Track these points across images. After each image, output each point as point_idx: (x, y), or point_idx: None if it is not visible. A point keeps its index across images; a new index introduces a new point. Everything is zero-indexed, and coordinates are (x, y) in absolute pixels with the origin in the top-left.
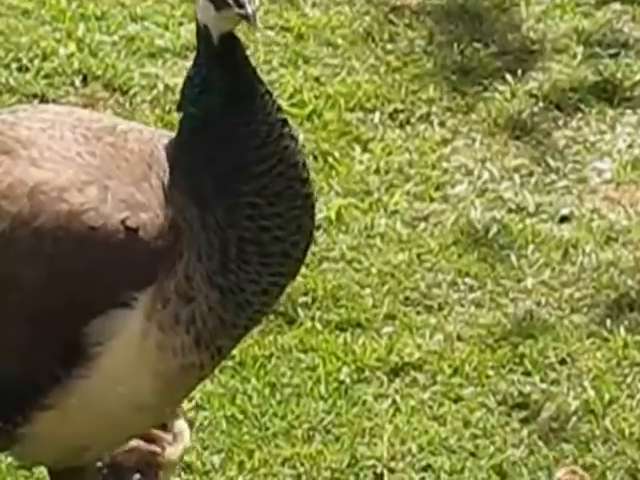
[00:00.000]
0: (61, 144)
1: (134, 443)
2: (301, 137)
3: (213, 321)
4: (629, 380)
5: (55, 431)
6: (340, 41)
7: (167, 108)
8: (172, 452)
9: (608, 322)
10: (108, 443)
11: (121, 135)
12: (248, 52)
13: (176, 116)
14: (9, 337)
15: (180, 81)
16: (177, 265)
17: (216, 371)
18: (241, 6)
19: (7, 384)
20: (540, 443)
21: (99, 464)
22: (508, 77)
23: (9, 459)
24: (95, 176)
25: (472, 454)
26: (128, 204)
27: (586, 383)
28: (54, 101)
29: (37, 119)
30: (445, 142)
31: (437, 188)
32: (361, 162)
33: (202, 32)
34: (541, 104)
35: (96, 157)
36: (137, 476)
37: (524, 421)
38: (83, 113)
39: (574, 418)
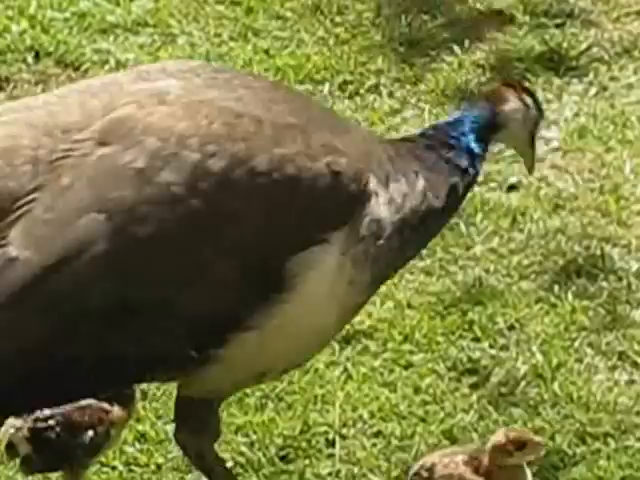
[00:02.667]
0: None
1: (86, 401)
2: None
3: (388, 261)
4: (577, 344)
5: (250, 352)
6: (289, 14)
7: None
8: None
9: (556, 288)
10: (284, 369)
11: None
12: (199, 26)
13: None
14: (224, 266)
15: (131, 56)
16: (368, 206)
17: None
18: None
19: (218, 307)
20: (490, 408)
21: (52, 422)
22: (455, 48)
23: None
24: (297, 121)
25: (422, 420)
26: (328, 149)
27: (534, 348)
28: (7, 79)
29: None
30: (394, 112)
31: None
32: None
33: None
34: (488, 74)
35: (285, 104)
36: (90, 433)
37: (474, 386)
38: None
39: (523, 383)
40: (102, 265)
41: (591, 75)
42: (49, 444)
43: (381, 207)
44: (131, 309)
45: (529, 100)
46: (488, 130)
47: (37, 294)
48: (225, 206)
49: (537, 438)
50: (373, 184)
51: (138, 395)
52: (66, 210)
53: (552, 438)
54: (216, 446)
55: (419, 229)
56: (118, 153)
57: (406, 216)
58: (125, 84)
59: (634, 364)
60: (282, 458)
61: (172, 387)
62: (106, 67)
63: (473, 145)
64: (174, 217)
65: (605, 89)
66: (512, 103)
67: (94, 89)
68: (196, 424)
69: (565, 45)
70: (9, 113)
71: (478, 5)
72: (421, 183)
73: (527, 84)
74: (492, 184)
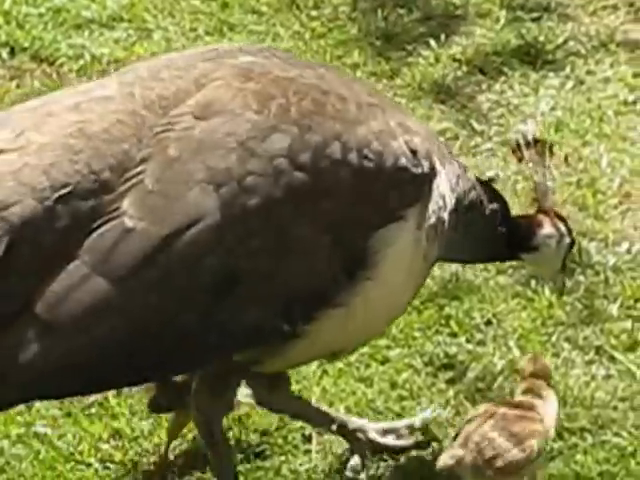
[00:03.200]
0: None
1: None
2: None
3: (447, 238)
4: (554, 339)
5: (334, 328)
6: (265, 8)
7: (94, 78)
8: None
9: (533, 283)
10: (357, 346)
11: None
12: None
13: None
14: (318, 240)
15: (106, 51)
16: (436, 183)
17: None
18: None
19: (312, 282)
20: (466, 403)
21: None
22: (432, 42)
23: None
24: (375, 101)
25: (399, 415)
26: (404, 128)
27: (511, 343)
28: None
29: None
30: None
31: None
32: None
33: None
34: (465, 68)
35: (358, 84)
36: None
37: (450, 382)
38: None
39: (500, 378)
40: (212, 236)
41: (568, 69)
42: None
43: (444, 184)
44: (236, 281)
45: (563, 228)
46: (520, 244)
47: (154, 266)
48: (321, 180)
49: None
50: (437, 162)
51: None
52: (175, 182)
53: None
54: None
55: (466, 215)
56: (219, 126)
57: (459, 196)
58: (208, 60)
59: (611, 359)
60: (258, 454)
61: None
62: (81, 62)
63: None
64: (278, 189)
65: (582, 83)
66: (547, 229)
67: (179, 64)
68: (218, 392)
69: (542, 39)
70: (106, 89)
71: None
72: (471, 174)
73: (560, 211)
74: None
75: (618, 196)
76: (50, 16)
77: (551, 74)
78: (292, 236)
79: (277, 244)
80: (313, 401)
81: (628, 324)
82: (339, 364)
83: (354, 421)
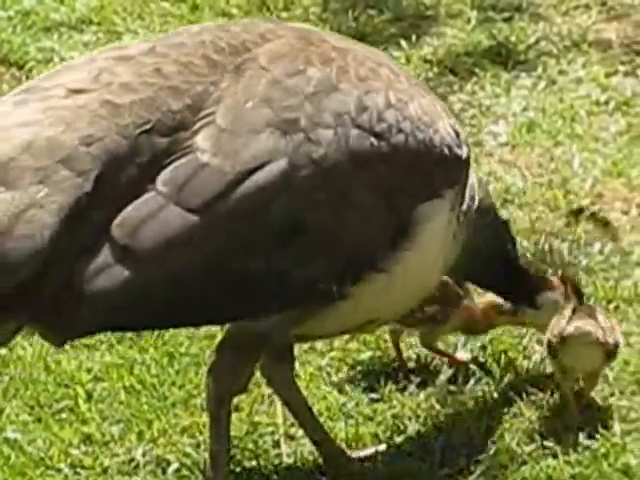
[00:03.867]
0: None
1: None
2: None
3: (475, 225)
4: (525, 341)
5: (375, 294)
6: (235, 10)
7: None
8: None
9: None
10: (393, 315)
11: None
12: (144, 23)
13: None
14: (374, 203)
15: (76, 55)
16: (470, 170)
17: (114, 341)
18: None
19: (364, 242)
20: (438, 406)
21: None
22: (403, 43)
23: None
24: (419, 81)
25: (370, 419)
26: (447, 111)
27: (483, 345)
28: None
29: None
30: None
31: None
32: None
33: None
34: (436, 69)
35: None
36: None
37: (422, 385)
38: None
39: (472, 381)
40: (279, 181)
41: (540, 69)
42: None
43: (473, 176)
44: (298, 230)
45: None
46: (524, 295)
47: (225, 202)
48: (378, 142)
49: None
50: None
51: None
52: (246, 124)
53: (502, 437)
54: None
55: (481, 218)
56: (285, 78)
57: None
58: (264, 22)
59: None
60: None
61: (118, 388)
62: (50, 65)
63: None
64: (340, 145)
65: (554, 83)
66: (557, 295)
67: (244, 22)
68: (237, 369)
69: (513, 39)
70: (177, 37)
71: (425, 0)
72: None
73: (579, 284)
74: None
75: (590, 197)
76: (19, 19)
77: (523, 74)
78: (350, 194)
79: (337, 199)
80: (284, 406)
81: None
82: (310, 368)
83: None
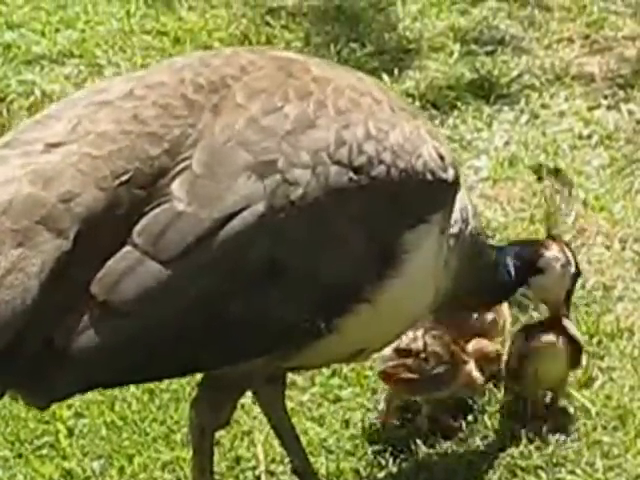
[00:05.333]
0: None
1: None
2: None
3: (468, 253)
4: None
5: (361, 325)
6: (217, 44)
7: None
8: None
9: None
10: (378, 347)
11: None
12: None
13: None
14: (354, 235)
15: (57, 88)
16: (459, 192)
17: None
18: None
19: (346, 276)
20: (418, 441)
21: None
22: (385, 77)
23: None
24: (407, 107)
25: (351, 454)
26: (431, 134)
27: None
28: None
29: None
30: None
31: None
32: None
33: None
34: (418, 103)
35: (393, 92)
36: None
37: (403, 421)
38: None
39: (450, 417)
40: (257, 225)
41: (522, 103)
42: None
43: (465, 197)
44: (279, 271)
45: (570, 255)
46: (527, 269)
47: (203, 249)
48: (358, 175)
49: None
50: (460, 173)
51: None
52: (222, 169)
53: (484, 472)
54: None
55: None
56: (262, 117)
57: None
58: (253, 52)
59: (567, 396)
60: None
61: (99, 424)
62: (31, 98)
63: (511, 271)
64: (318, 182)
65: (536, 117)
66: (554, 252)
67: (227, 53)
68: (219, 405)
69: (496, 72)
70: (157, 75)
71: (408, 33)
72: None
73: (567, 241)
74: None
75: (573, 231)
76: (0, 52)
77: (505, 108)
78: (330, 230)
79: (316, 237)
80: (265, 441)
81: (583, 360)
82: (291, 403)
83: None
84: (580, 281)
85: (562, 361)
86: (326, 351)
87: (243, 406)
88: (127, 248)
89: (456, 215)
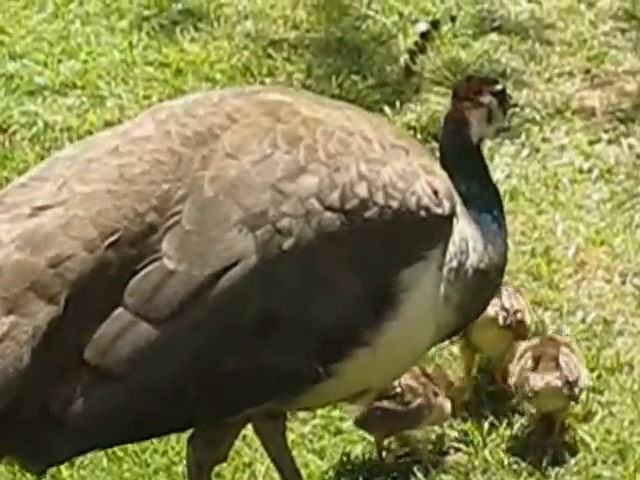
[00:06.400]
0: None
1: None
2: None
3: (470, 285)
4: (507, 410)
5: (361, 368)
6: (219, 76)
7: (47, 145)
8: None
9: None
10: (384, 384)
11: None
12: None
13: None
14: (349, 279)
15: (60, 118)
16: (457, 225)
17: None
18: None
19: (343, 321)
20: (419, 475)
21: None
22: (386, 109)
23: None
24: (399, 142)
25: None
26: (426, 168)
27: (465, 414)
28: None
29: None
30: None
31: None
32: None
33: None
34: (419, 135)
35: (386, 125)
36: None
37: (403, 454)
38: None
39: (453, 449)
40: (250, 279)
41: (523, 136)
42: None
43: (466, 227)
44: (274, 322)
45: (485, 99)
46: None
47: (196, 307)
48: (350, 219)
49: None
50: (459, 204)
51: None
52: (212, 223)
53: None
54: None
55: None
56: (251, 167)
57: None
58: (240, 96)
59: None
60: None
61: (100, 455)
62: (34, 129)
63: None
64: (310, 230)
65: (537, 150)
66: (473, 124)
67: (214, 100)
68: (215, 443)
69: None
70: (142, 129)
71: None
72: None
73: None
74: None
75: (573, 265)
76: (2, 82)
77: (506, 141)
78: (324, 276)
79: (311, 284)
80: (261, 472)
81: (582, 395)
82: (292, 435)
83: None
84: (580, 315)
85: (563, 401)
86: (326, 394)
87: (245, 437)
88: (119, 310)
89: (455, 248)
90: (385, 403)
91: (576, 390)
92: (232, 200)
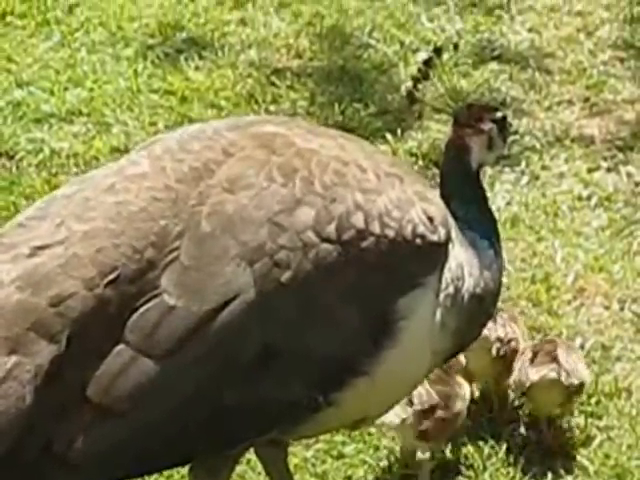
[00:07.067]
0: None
1: None
2: None
3: (465, 310)
4: (505, 434)
5: (360, 397)
6: (223, 103)
7: (53, 171)
8: None
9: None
10: (383, 411)
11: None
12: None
13: (62, 179)
14: (347, 309)
15: (66, 145)
16: (453, 251)
17: None
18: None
19: (342, 351)
20: None
21: None
22: (388, 136)
23: None
24: (393, 170)
25: None
26: (420, 196)
27: (465, 438)
28: None
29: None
30: None
31: None
32: None
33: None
34: (421, 162)
35: (379, 154)
36: None
37: (405, 477)
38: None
39: (452, 473)
40: (249, 312)
41: (523, 164)
42: None
43: (462, 253)
44: (274, 354)
45: (485, 127)
46: (470, 180)
47: (196, 342)
48: (347, 250)
49: None
50: (455, 229)
51: None
52: (210, 258)
53: None
54: None
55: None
56: (248, 201)
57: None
58: (234, 129)
59: (565, 454)
60: None
61: None
62: (40, 156)
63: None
64: (307, 262)
65: (537, 178)
66: (474, 150)
67: (208, 133)
68: (215, 471)
69: None
70: (138, 166)
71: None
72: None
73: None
74: None
75: (572, 291)
76: (10, 110)
77: (506, 169)
78: (322, 307)
79: (309, 316)
80: None
81: (581, 420)
82: (295, 459)
83: None
84: (579, 342)
85: (561, 396)
86: (326, 423)
87: (249, 461)
88: (120, 346)
89: (451, 274)
90: (440, 413)
91: (574, 381)
92: (230, 235)
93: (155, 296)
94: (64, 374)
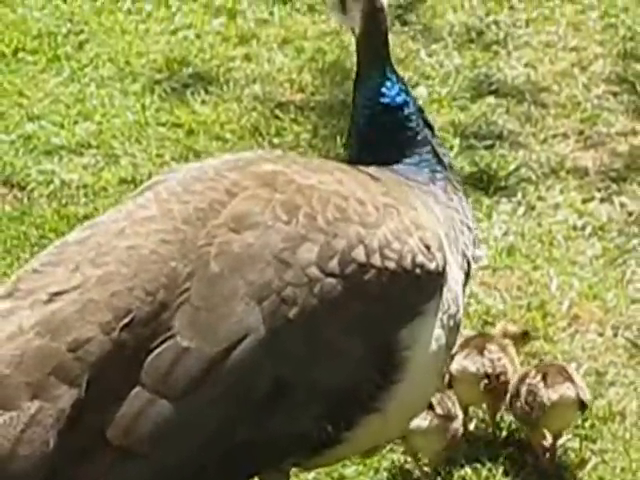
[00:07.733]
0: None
1: None
2: None
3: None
4: (502, 459)
5: (373, 432)
6: (229, 135)
7: (63, 202)
8: None
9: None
10: (393, 439)
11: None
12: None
13: (72, 210)
14: (354, 344)
15: (76, 177)
16: (449, 273)
17: None
18: None
19: (351, 387)
20: None
21: None
22: None
23: None
24: (389, 201)
25: None
26: (416, 224)
27: (463, 461)
28: None
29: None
30: None
31: None
32: None
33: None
34: None
35: (373, 183)
36: None
37: None
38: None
39: None
40: (259, 351)
41: (519, 195)
42: None
43: (455, 272)
44: (284, 390)
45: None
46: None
47: (210, 383)
48: (349, 283)
49: None
50: (449, 251)
51: None
52: (220, 298)
53: None
54: None
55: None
56: (254, 240)
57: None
58: (235, 169)
59: (561, 477)
60: None
61: None
62: (51, 187)
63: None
64: (312, 297)
65: (533, 209)
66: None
67: (210, 174)
68: None
69: (494, 166)
70: (146, 209)
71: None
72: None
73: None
74: None
75: (567, 318)
76: (21, 143)
77: (504, 200)
78: (328, 341)
79: (316, 350)
80: None
81: (576, 443)
82: None
83: None
84: (574, 366)
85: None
86: (337, 455)
87: None
88: (137, 389)
89: (452, 294)
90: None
91: (589, 398)
92: (238, 274)
93: (169, 338)
94: (84, 418)
